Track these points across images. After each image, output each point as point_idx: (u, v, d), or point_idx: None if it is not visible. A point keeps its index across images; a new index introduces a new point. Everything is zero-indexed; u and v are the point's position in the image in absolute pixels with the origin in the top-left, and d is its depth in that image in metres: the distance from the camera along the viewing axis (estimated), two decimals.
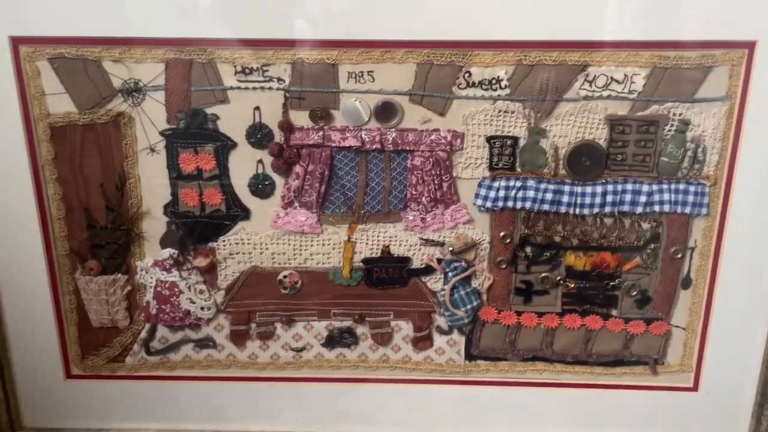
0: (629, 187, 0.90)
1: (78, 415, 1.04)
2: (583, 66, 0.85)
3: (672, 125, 0.88)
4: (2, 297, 0.97)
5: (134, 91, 0.87)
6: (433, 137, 0.89)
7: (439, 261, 0.96)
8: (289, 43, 0.85)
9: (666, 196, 0.90)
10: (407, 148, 0.90)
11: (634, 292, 0.96)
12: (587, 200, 0.91)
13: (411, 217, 0.94)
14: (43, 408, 1.03)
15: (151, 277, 0.96)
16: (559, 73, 0.86)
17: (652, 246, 0.94)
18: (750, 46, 0.83)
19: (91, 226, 0.94)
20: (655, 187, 0.90)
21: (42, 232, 0.93)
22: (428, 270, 0.97)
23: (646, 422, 1.02)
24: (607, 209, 0.91)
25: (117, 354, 1.01)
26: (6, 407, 1.02)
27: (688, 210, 0.91)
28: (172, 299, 0.97)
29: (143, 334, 1.00)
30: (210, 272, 0.96)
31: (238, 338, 1.00)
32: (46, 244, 0.94)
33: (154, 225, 0.94)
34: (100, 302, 0.97)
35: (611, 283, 0.96)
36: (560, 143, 0.89)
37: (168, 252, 0.95)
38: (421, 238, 0.95)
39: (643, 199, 0.90)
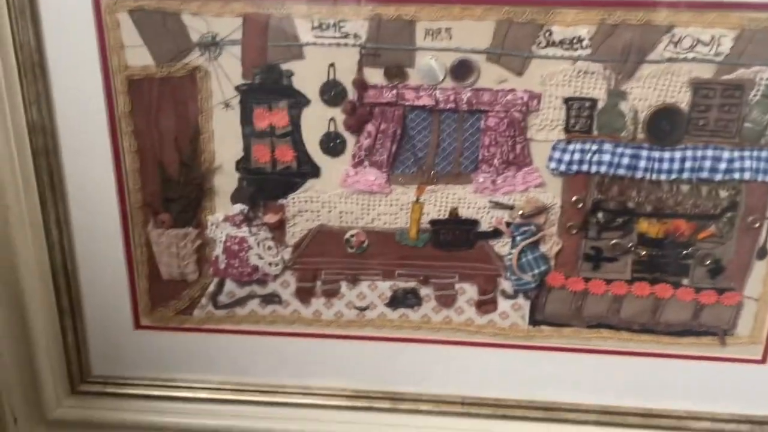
0: (709, 153, 0.88)
1: (146, 366, 1.06)
2: (668, 26, 0.83)
3: (758, 90, 0.85)
4: (76, 247, 0.99)
5: (211, 45, 0.88)
6: (509, 97, 0.88)
7: (508, 224, 0.95)
8: None
9: (747, 164, 0.88)
10: (482, 108, 0.89)
11: (707, 262, 0.94)
12: (665, 166, 0.89)
13: (481, 179, 0.93)
14: (112, 357, 1.06)
15: (221, 232, 0.98)
16: (643, 34, 0.83)
17: (729, 214, 0.92)
18: None
19: (165, 180, 0.95)
20: (736, 154, 0.88)
21: (117, 183, 0.95)
22: (496, 233, 0.96)
23: (712, 394, 1.00)
24: (685, 175, 0.89)
25: (185, 306, 1.03)
26: (77, 356, 1.05)
27: None
28: (240, 254, 0.98)
29: (211, 288, 1.02)
30: (279, 229, 0.97)
31: (304, 295, 1.01)
32: (120, 196, 0.96)
33: (226, 180, 0.95)
34: (171, 255, 0.99)
35: (684, 252, 0.94)
36: (640, 107, 0.87)
37: (239, 207, 0.96)
38: (490, 201, 0.94)
39: (723, 165, 0.88)
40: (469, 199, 0.95)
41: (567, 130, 0.89)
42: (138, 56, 0.89)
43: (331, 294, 1.01)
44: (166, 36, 0.87)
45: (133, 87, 0.90)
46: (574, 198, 0.93)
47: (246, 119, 0.92)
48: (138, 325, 1.04)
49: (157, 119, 0.92)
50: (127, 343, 1.05)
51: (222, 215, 0.97)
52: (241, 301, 1.02)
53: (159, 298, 1.03)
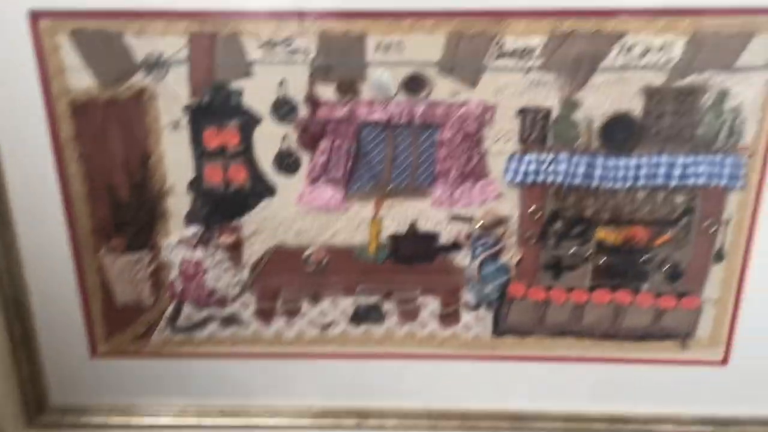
0: (664, 159, 0.88)
1: (105, 393, 1.04)
2: (619, 34, 0.82)
3: (710, 96, 0.85)
4: (27, 277, 0.96)
5: (157, 65, 0.85)
6: (463, 110, 0.87)
7: (468, 237, 0.94)
8: (315, 14, 0.82)
9: (701, 169, 0.88)
10: (436, 121, 0.88)
11: (666, 267, 0.94)
12: (620, 173, 0.89)
13: (439, 193, 0.92)
14: (70, 386, 1.03)
15: (177, 255, 0.95)
16: (595, 43, 0.83)
17: (686, 220, 0.92)
18: None
19: (116, 204, 0.92)
20: (690, 160, 0.88)
21: (65, 210, 0.92)
22: (456, 246, 0.95)
23: (674, 396, 1.01)
24: (641, 182, 0.89)
25: (143, 332, 1.00)
26: (33, 386, 1.02)
27: (723, 182, 0.88)
28: (197, 277, 0.96)
29: (169, 312, 0.99)
30: (235, 250, 0.95)
31: (264, 315, 1.00)
32: (70, 222, 0.93)
33: (179, 202, 0.93)
34: (125, 280, 0.96)
35: (642, 258, 0.94)
36: (594, 115, 0.87)
37: (193, 229, 0.94)
38: (449, 214, 0.93)
39: (677, 172, 0.88)
40: (427, 213, 0.94)
41: (522, 141, 0.89)
42: (81, 79, 0.86)
43: (292, 313, 1.00)
44: (109, 57, 0.85)
45: (78, 111, 0.87)
46: (531, 208, 0.92)
47: (196, 139, 0.89)
48: (95, 353, 1.01)
49: (104, 143, 0.89)
50: (85, 372, 1.02)
51: (176, 238, 0.95)
52: (200, 324, 1.00)
53: (115, 324, 1.00)
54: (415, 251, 0.96)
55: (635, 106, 0.86)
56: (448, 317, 1.00)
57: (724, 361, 0.99)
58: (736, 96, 0.85)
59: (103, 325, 1.00)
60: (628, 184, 0.89)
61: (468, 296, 0.99)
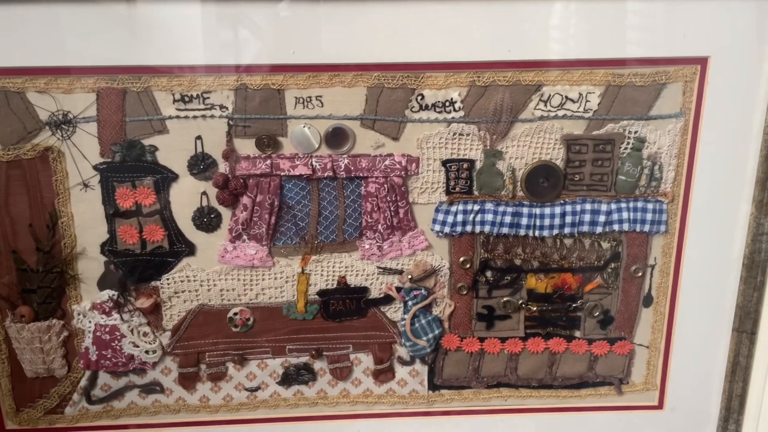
0: (588, 207, 0.89)
1: None
2: (537, 86, 0.83)
3: (628, 143, 0.86)
4: None
5: (63, 123, 0.81)
6: (387, 162, 0.86)
7: (398, 290, 0.92)
8: (231, 68, 0.80)
9: (625, 215, 0.89)
10: (360, 174, 0.86)
11: (597, 313, 0.94)
12: (546, 222, 0.89)
13: (367, 246, 0.90)
14: None
15: (90, 321, 0.89)
16: (514, 94, 0.83)
17: (613, 265, 0.92)
18: (702, 62, 0.83)
19: (21, 270, 0.86)
20: (613, 206, 0.89)
21: None
22: (387, 299, 0.93)
23: None
24: (567, 230, 0.89)
25: (55, 405, 0.93)
26: None
27: (647, 228, 0.89)
28: (113, 344, 0.90)
29: (83, 382, 0.93)
30: (154, 313, 0.90)
31: (188, 381, 0.94)
32: None
33: (91, 265, 0.88)
34: (34, 350, 0.90)
35: (573, 305, 0.94)
36: (517, 165, 0.87)
37: (107, 294, 0.88)
38: (378, 267, 0.91)
39: (602, 218, 0.89)
40: (356, 267, 0.91)
41: (448, 191, 0.88)
42: None
43: (218, 377, 0.94)
44: (11, 116, 0.80)
45: None
46: (461, 259, 0.91)
47: (108, 199, 0.85)
48: (2, 430, 0.93)
49: (7, 205, 0.84)
50: None
51: (89, 303, 0.89)
52: (118, 394, 0.94)
53: (24, 398, 0.93)
54: (346, 306, 0.93)
55: (557, 155, 0.87)
56: (383, 373, 0.96)
57: (660, 405, 0.99)
58: (653, 143, 0.86)
59: (11, 400, 0.92)
60: (555, 232, 0.89)
61: (402, 351, 0.96)
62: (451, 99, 0.83)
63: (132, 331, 0.90)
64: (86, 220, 0.85)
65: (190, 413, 0.96)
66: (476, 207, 0.88)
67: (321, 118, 0.83)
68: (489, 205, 0.88)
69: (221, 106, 0.82)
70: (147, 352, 0.91)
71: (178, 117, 0.82)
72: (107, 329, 0.90)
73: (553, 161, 0.87)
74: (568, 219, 0.89)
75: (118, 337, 0.90)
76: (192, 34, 0.78)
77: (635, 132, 0.86)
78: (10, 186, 0.83)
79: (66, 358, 0.91)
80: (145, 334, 0.90)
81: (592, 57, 0.82)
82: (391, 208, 0.88)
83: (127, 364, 0.91)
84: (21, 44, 0.77)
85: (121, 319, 0.89)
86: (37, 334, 0.89)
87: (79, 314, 0.89)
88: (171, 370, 0.94)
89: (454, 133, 0.85)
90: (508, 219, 0.88)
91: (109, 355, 0.91)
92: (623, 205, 0.89)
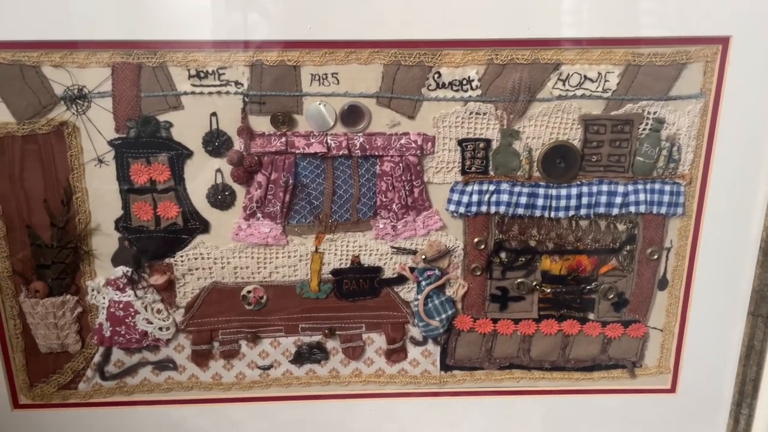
0: (604, 188, 0.88)
1: None
2: (556, 64, 0.82)
3: (647, 124, 0.85)
4: None
5: (78, 98, 0.81)
6: (402, 141, 0.85)
7: (412, 270, 0.92)
8: (247, 44, 0.79)
9: (641, 197, 0.88)
10: (376, 153, 0.86)
11: (611, 295, 0.93)
12: (562, 203, 0.88)
13: (381, 225, 0.89)
14: None
15: (104, 298, 0.90)
16: (532, 73, 0.82)
17: (628, 248, 0.92)
18: (724, 41, 0.81)
19: (35, 245, 0.86)
20: (630, 188, 0.88)
21: None
22: (400, 279, 0.93)
23: (624, 426, 1.00)
24: (583, 212, 0.89)
25: (69, 380, 0.94)
26: None
27: (663, 210, 0.89)
28: (127, 320, 0.90)
29: (97, 358, 0.93)
30: (168, 290, 0.90)
31: (200, 358, 0.94)
32: None
33: (105, 242, 0.88)
34: (48, 326, 0.90)
35: (588, 287, 0.93)
36: (534, 145, 0.86)
37: (121, 270, 0.88)
38: (392, 247, 0.91)
39: (618, 200, 0.88)
40: (370, 246, 0.91)
41: (464, 171, 0.87)
42: None
43: (230, 355, 0.95)
44: (26, 90, 0.80)
45: None
46: (476, 239, 0.90)
47: (123, 175, 0.85)
48: (16, 405, 0.94)
49: (22, 180, 0.84)
50: (6, 425, 0.95)
51: (103, 279, 0.89)
52: (131, 370, 0.94)
53: (38, 373, 0.93)
54: (359, 286, 0.93)
55: (574, 136, 0.86)
56: (395, 353, 0.96)
57: (673, 389, 0.99)
58: (672, 124, 0.85)
59: (24, 375, 0.93)
60: (571, 213, 0.89)
61: (414, 331, 0.96)
62: (469, 77, 0.83)
63: (146, 307, 0.90)
64: (101, 196, 0.85)
65: (203, 390, 0.96)
66: (492, 187, 0.87)
67: (337, 95, 0.83)
68: (504, 186, 0.87)
69: (236, 83, 0.81)
70: (160, 328, 0.91)
71: (193, 93, 0.82)
72: (121, 305, 0.90)
73: (570, 142, 0.86)
74: (585, 200, 0.88)
75: (132, 314, 0.90)
76: (208, 8, 0.77)
77: (654, 112, 0.85)
78: (25, 161, 0.83)
79: (80, 333, 0.92)
80: (158, 311, 0.91)
81: (612, 36, 0.81)
82: (406, 188, 0.87)
83: (140, 340, 0.92)
84: (37, 18, 0.76)
85: (135, 295, 0.89)
86: (51, 310, 0.89)
87: (93, 290, 0.89)
88: (184, 347, 0.94)
89: (471, 112, 0.84)
90: (523, 200, 0.87)
91: (122, 332, 0.91)
92: (640, 186, 0.88)
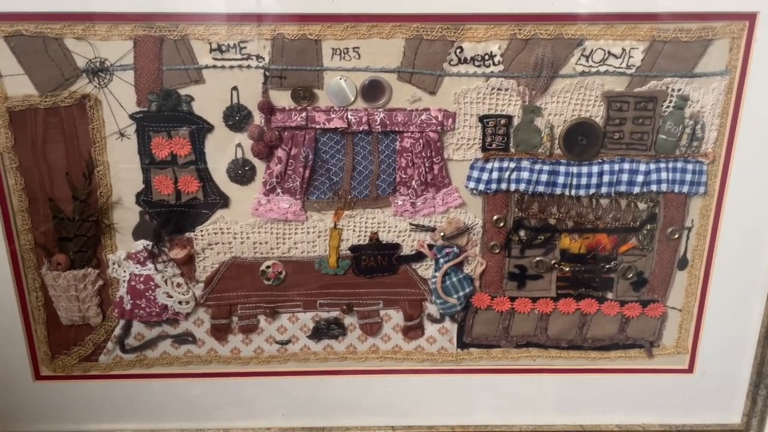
0: (626, 166, 0.87)
1: (49, 418, 0.97)
2: (579, 40, 0.81)
3: (670, 101, 0.84)
4: None
5: (100, 71, 0.81)
6: (423, 117, 0.85)
7: (430, 247, 0.92)
8: (268, 18, 0.79)
9: (663, 175, 0.87)
10: (396, 128, 0.85)
11: (630, 275, 0.93)
12: (583, 181, 0.87)
13: (400, 202, 0.89)
14: (11, 412, 0.97)
15: (125, 271, 0.90)
16: (555, 48, 0.82)
17: (649, 227, 0.91)
18: (751, 17, 0.80)
19: (57, 218, 0.87)
20: (652, 166, 0.87)
21: (3, 224, 0.86)
22: (419, 256, 0.93)
23: (641, 405, 1.00)
24: (604, 190, 0.88)
25: (89, 353, 0.95)
26: None
27: (685, 189, 0.88)
28: (147, 293, 0.91)
29: (117, 331, 0.94)
30: (187, 264, 0.91)
31: (219, 332, 0.95)
32: (8, 238, 0.87)
33: (126, 215, 0.88)
34: (70, 298, 0.91)
35: (607, 266, 0.93)
36: (556, 122, 0.85)
37: (142, 244, 0.89)
38: (411, 224, 0.91)
39: (640, 178, 0.87)
40: (389, 223, 0.91)
41: (484, 148, 0.87)
42: (18, 85, 0.81)
43: (249, 329, 0.95)
44: (49, 63, 0.80)
45: (15, 119, 0.82)
46: (495, 217, 0.90)
47: (144, 149, 0.85)
48: (38, 376, 0.95)
49: (44, 153, 0.84)
50: (27, 396, 0.96)
51: (124, 253, 0.90)
52: (151, 343, 0.95)
53: (59, 345, 0.94)
54: (378, 262, 0.93)
55: (597, 113, 0.85)
56: (412, 330, 0.97)
57: (690, 369, 0.98)
58: (696, 102, 0.84)
59: (46, 347, 0.94)
60: (592, 191, 0.88)
61: (432, 308, 0.96)
62: (491, 52, 0.82)
63: (166, 281, 0.91)
64: (122, 170, 0.86)
65: (222, 364, 0.97)
66: (512, 164, 0.87)
67: (357, 70, 0.82)
68: (525, 163, 0.87)
69: (258, 57, 0.81)
70: (180, 302, 0.92)
71: (214, 67, 0.81)
72: (142, 279, 0.90)
73: (592, 119, 0.85)
74: (606, 178, 0.87)
75: (153, 287, 0.91)
76: None
77: (678, 90, 0.84)
78: (47, 134, 0.83)
79: (101, 306, 0.93)
80: (178, 285, 0.91)
81: (637, 11, 0.80)
82: (426, 164, 0.87)
83: (160, 314, 0.92)
84: None
85: (156, 269, 0.90)
86: (73, 282, 0.90)
87: (114, 263, 0.90)
88: (203, 321, 0.95)
89: (493, 88, 0.84)
90: (544, 177, 0.87)
91: (143, 305, 0.92)
92: (662, 165, 0.87)
